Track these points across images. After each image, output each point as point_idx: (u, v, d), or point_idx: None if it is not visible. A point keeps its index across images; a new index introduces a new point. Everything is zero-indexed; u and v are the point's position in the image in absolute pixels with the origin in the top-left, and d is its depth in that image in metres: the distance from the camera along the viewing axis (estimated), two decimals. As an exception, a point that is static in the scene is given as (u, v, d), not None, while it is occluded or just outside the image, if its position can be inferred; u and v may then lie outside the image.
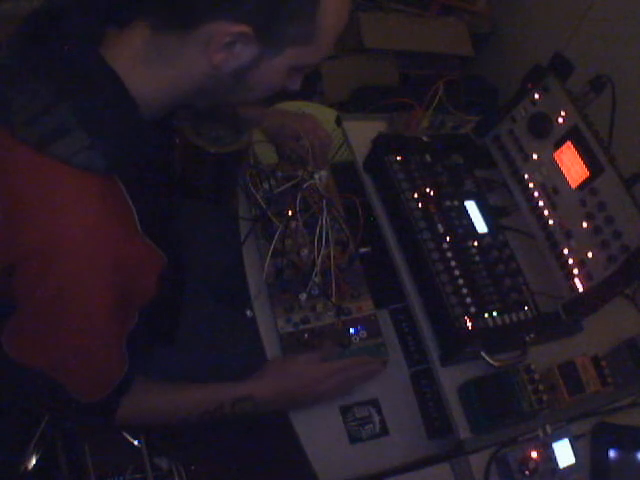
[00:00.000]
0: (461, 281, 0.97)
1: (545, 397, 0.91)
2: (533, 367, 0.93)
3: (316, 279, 1.00)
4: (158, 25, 0.67)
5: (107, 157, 0.64)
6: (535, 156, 1.05)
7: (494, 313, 0.96)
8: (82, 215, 0.64)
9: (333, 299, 1.01)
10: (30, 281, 0.67)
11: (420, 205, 1.05)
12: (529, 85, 1.06)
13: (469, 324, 0.93)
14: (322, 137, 1.21)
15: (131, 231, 0.71)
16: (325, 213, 1.02)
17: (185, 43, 0.67)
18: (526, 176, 1.06)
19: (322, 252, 1.00)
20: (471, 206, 1.08)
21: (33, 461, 1.23)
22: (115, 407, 0.83)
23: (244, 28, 0.64)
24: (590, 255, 0.94)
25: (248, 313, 1.07)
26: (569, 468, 0.90)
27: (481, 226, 1.06)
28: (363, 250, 1.12)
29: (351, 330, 1.02)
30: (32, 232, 0.64)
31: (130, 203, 0.70)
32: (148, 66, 0.68)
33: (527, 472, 0.87)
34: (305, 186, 1.06)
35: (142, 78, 0.69)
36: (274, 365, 0.97)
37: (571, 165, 0.98)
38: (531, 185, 1.05)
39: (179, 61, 0.68)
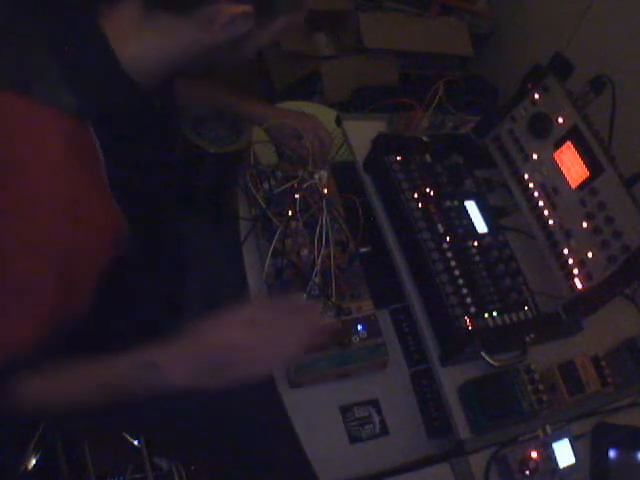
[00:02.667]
0: (461, 281, 0.97)
1: (545, 397, 0.91)
2: (533, 367, 0.93)
3: (316, 279, 1.00)
4: (150, 4, 0.67)
5: (80, 98, 0.64)
6: (535, 156, 1.05)
7: (494, 313, 0.96)
8: (45, 146, 0.63)
9: (333, 299, 1.01)
10: None
11: (420, 205, 1.05)
12: (529, 85, 1.06)
13: (469, 324, 0.93)
14: (323, 137, 1.20)
15: (95, 180, 0.69)
16: (325, 213, 1.02)
17: (180, 21, 0.67)
18: (526, 176, 1.06)
19: (322, 252, 1.00)
20: (471, 206, 1.08)
21: (33, 461, 1.23)
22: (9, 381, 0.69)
23: (246, 8, 0.65)
24: (590, 255, 0.94)
25: (248, 313, 1.06)
26: (569, 468, 0.90)
27: (481, 226, 1.06)
28: (363, 250, 1.12)
29: (359, 327, 1.02)
30: None
31: (101, 155, 0.69)
32: (139, 37, 0.69)
33: (527, 472, 0.87)
34: (305, 186, 1.06)
35: (132, 46, 0.69)
36: (191, 329, 0.73)
37: (571, 165, 0.98)
38: (531, 185, 1.05)
39: (172, 35, 0.69)
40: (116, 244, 0.73)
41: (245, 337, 0.72)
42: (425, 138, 1.14)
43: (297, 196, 1.05)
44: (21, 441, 1.23)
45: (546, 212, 1.02)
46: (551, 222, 1.01)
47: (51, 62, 0.64)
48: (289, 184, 1.09)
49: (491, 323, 0.95)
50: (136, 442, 1.26)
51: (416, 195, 1.06)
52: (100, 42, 0.67)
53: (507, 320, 0.96)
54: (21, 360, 0.67)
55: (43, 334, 0.67)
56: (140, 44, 0.69)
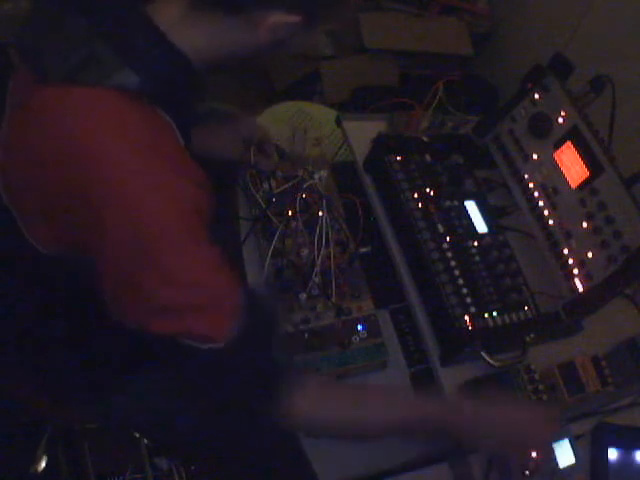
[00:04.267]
0: (461, 281, 0.97)
1: (545, 397, 0.91)
2: (533, 367, 0.93)
3: (316, 279, 1.00)
4: (197, 4, 0.68)
5: (140, 75, 0.64)
6: (535, 156, 1.05)
7: (494, 313, 0.96)
8: (126, 129, 0.63)
9: (333, 299, 1.01)
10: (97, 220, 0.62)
11: (420, 205, 1.05)
12: (529, 85, 1.06)
13: (469, 324, 0.93)
14: (262, 138, 1.13)
15: (175, 143, 0.71)
16: (325, 213, 1.02)
17: (226, 22, 0.69)
18: (526, 176, 1.06)
19: (322, 252, 1.00)
20: (471, 206, 1.08)
21: (43, 464, 1.24)
22: (280, 391, 0.70)
23: (296, 18, 0.67)
24: (590, 255, 0.94)
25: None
26: (569, 468, 0.90)
27: (481, 226, 1.06)
28: (363, 250, 1.12)
29: (359, 327, 1.02)
30: (77, 167, 0.62)
31: (168, 118, 0.70)
32: (182, 32, 0.69)
33: (527, 472, 0.87)
34: (305, 186, 1.06)
35: (177, 37, 0.69)
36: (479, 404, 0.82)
37: (571, 165, 0.98)
38: (531, 185, 1.05)
39: (215, 34, 0.71)
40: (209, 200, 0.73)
41: (543, 437, 0.85)
42: (425, 138, 1.14)
43: (297, 196, 1.05)
44: (28, 443, 1.24)
45: (546, 212, 1.02)
46: (551, 222, 1.01)
47: (103, 50, 0.64)
48: (289, 184, 1.09)
49: (491, 323, 0.95)
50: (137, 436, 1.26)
51: (416, 195, 1.06)
52: (149, 27, 0.67)
53: (507, 320, 0.96)
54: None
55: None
56: (183, 38, 0.70)
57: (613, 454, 0.95)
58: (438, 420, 0.79)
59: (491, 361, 0.92)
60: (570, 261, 0.97)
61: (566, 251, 0.98)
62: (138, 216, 0.63)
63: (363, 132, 1.18)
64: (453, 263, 0.99)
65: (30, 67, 0.66)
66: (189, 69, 0.71)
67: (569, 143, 0.99)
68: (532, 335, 0.95)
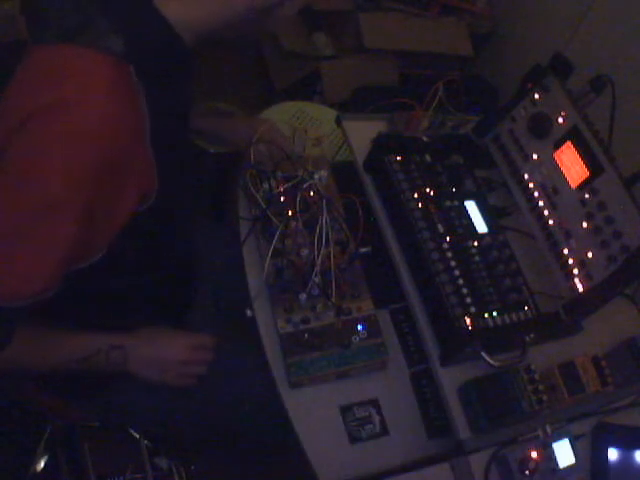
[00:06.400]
0: (461, 281, 0.97)
1: (545, 397, 0.91)
2: (533, 367, 0.93)
3: (316, 279, 1.00)
4: None
5: (126, 44, 0.66)
6: (535, 156, 1.05)
7: (494, 313, 0.96)
8: (89, 86, 0.65)
9: (333, 299, 1.01)
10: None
11: (420, 205, 1.05)
12: (529, 85, 1.06)
13: (469, 324, 0.93)
14: (279, 142, 1.17)
15: (135, 126, 0.70)
16: (325, 213, 1.02)
17: None
18: (526, 176, 1.06)
19: (322, 252, 1.00)
20: (471, 206, 1.08)
21: (42, 464, 1.24)
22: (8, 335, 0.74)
23: None
24: (590, 255, 0.94)
25: (248, 313, 1.07)
26: (569, 468, 0.90)
27: (481, 226, 1.06)
28: (363, 250, 1.12)
29: (359, 327, 1.02)
30: (41, 93, 0.65)
31: (144, 105, 0.70)
32: (181, 3, 0.71)
33: (527, 472, 0.87)
34: (305, 186, 1.06)
35: (172, 11, 0.71)
36: (155, 329, 0.99)
37: (571, 165, 0.98)
38: (531, 185, 1.05)
39: (212, 2, 0.72)
40: (141, 200, 0.74)
41: (193, 358, 1.01)
42: (425, 138, 1.14)
43: (297, 196, 1.05)
44: (28, 443, 1.24)
45: (546, 212, 1.02)
46: (551, 222, 1.01)
47: (98, 16, 0.66)
48: (289, 184, 1.09)
49: (491, 323, 0.95)
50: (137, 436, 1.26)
51: (416, 195, 1.06)
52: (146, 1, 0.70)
53: (507, 320, 0.96)
54: (35, 303, 0.70)
55: (57, 277, 0.70)
56: (179, 10, 0.71)
57: (613, 454, 0.95)
58: (119, 346, 0.91)
59: (491, 361, 0.92)
60: (570, 261, 0.97)
61: (566, 251, 0.98)
62: None
63: (363, 132, 1.18)
64: (453, 263, 0.99)
65: (30, 30, 0.68)
66: (173, 36, 0.72)
67: (569, 143, 0.99)
68: (532, 335, 0.95)
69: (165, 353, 0.99)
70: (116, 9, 0.68)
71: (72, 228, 0.67)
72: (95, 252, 0.73)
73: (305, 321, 1.01)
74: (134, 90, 0.69)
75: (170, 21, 0.71)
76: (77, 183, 0.66)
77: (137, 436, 1.27)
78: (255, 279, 1.07)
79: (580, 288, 0.95)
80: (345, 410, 0.99)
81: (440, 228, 1.03)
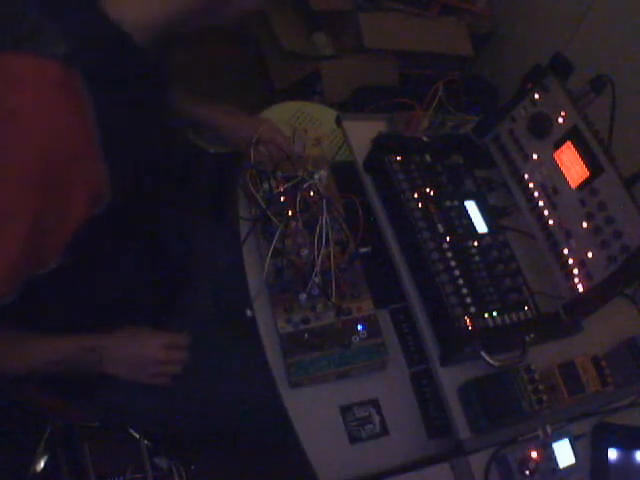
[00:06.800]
0: (461, 281, 0.97)
1: (545, 397, 0.91)
2: (533, 367, 0.93)
3: (316, 279, 1.00)
4: None
5: (72, 49, 0.65)
6: (535, 156, 1.05)
7: (494, 313, 0.96)
8: (34, 91, 0.64)
9: (333, 299, 1.01)
10: None
11: (420, 205, 1.05)
12: (529, 85, 1.06)
13: (469, 324, 0.93)
14: (279, 143, 1.16)
15: (83, 131, 0.69)
16: (325, 213, 1.02)
17: None
18: (526, 176, 1.06)
19: (322, 252, 1.00)
20: (471, 206, 1.08)
21: (42, 464, 1.24)
22: None
23: None
24: (590, 255, 0.94)
25: (248, 313, 1.07)
26: (569, 468, 0.90)
27: (481, 226, 1.06)
28: (363, 250, 1.12)
29: (359, 327, 1.02)
30: None
31: (92, 108, 0.69)
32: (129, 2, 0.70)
33: (527, 472, 0.87)
34: (305, 186, 1.06)
35: (120, 10, 0.70)
36: (130, 329, 0.99)
37: (571, 165, 0.98)
38: (531, 185, 1.05)
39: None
40: (94, 203, 0.73)
41: (168, 358, 1.01)
42: (425, 138, 1.14)
43: (297, 196, 1.05)
44: (28, 443, 1.24)
45: (546, 212, 1.02)
46: (551, 222, 1.01)
47: (44, 21, 0.65)
48: (289, 184, 1.09)
49: (491, 323, 0.95)
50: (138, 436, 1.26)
51: (416, 195, 1.06)
52: (91, 2, 0.69)
53: (507, 320, 0.96)
54: None
55: (12, 281, 0.70)
56: (127, 6, 0.70)
57: (613, 454, 0.95)
58: (93, 348, 0.92)
59: (491, 361, 0.92)
60: (570, 261, 0.97)
61: (566, 251, 0.98)
62: None
63: (363, 132, 1.18)
64: (453, 263, 0.99)
65: None
66: (122, 37, 0.70)
67: (569, 143, 0.99)
68: (532, 335, 0.95)
69: (140, 353, 0.99)
70: (63, 13, 0.67)
71: (22, 233, 0.67)
72: (52, 256, 0.73)
73: (305, 321, 1.01)
74: (80, 94, 0.68)
75: (117, 21, 0.70)
76: (24, 190, 0.66)
77: (137, 436, 1.28)
78: (255, 279, 1.07)
79: (580, 288, 0.95)
80: (345, 410, 0.99)
81: (440, 228, 1.03)
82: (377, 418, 1.00)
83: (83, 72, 0.67)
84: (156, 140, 0.87)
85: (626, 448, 0.96)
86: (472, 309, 0.95)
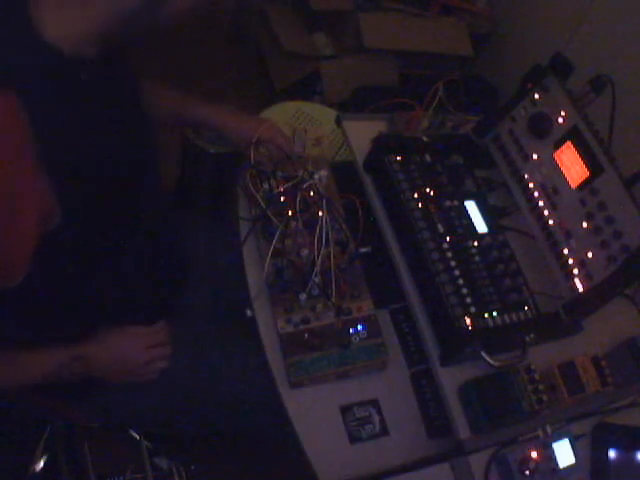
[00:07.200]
0: (461, 281, 0.97)
1: (545, 397, 0.91)
2: (533, 367, 0.93)
3: (316, 279, 1.00)
4: None
5: (3, 66, 0.64)
6: (535, 156, 1.05)
7: (494, 313, 0.96)
8: None
9: (333, 299, 1.01)
10: None
11: (420, 205, 1.05)
12: (529, 85, 1.05)
13: (469, 324, 0.93)
14: (279, 143, 1.16)
15: (17, 152, 0.65)
16: (325, 213, 1.02)
17: None
18: (526, 176, 1.06)
19: (322, 252, 1.00)
20: (471, 206, 1.08)
21: (41, 464, 1.23)
22: None
23: None
24: (590, 255, 0.94)
25: (248, 313, 1.07)
26: (569, 468, 0.90)
27: (481, 226, 1.06)
28: (363, 250, 1.12)
29: (359, 327, 1.02)
30: None
31: (27, 127, 0.65)
32: (58, 6, 0.69)
33: (527, 472, 0.87)
34: (305, 186, 1.06)
35: (52, 15, 0.68)
36: (110, 331, 0.98)
37: (571, 165, 0.98)
38: (531, 185, 1.05)
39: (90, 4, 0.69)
40: (43, 221, 0.69)
41: (153, 356, 1.01)
42: (425, 138, 1.14)
43: (297, 196, 1.05)
44: (27, 443, 1.24)
45: (546, 212, 1.02)
46: (551, 222, 1.01)
47: None
48: (289, 184, 1.09)
49: (491, 323, 0.95)
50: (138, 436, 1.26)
51: (416, 195, 1.06)
52: (20, 18, 0.67)
53: (507, 320, 0.96)
54: None
55: None
56: (60, 17, 0.69)
57: (613, 454, 0.95)
58: (80, 357, 0.92)
59: (491, 361, 0.92)
60: (570, 261, 0.97)
61: (566, 251, 0.98)
62: None
63: (363, 132, 1.18)
64: (453, 263, 0.99)
65: None
66: (51, 51, 0.69)
67: (569, 143, 0.99)
68: (532, 335, 0.95)
69: (123, 358, 1.00)
70: None
71: None
72: (16, 272, 0.70)
73: (305, 321, 1.01)
74: (13, 111, 0.64)
75: (50, 39, 0.68)
76: None
77: (137, 437, 1.27)
78: (255, 279, 1.07)
79: (580, 288, 0.95)
80: (345, 410, 0.99)
81: (440, 228, 1.03)
82: (377, 418, 1.00)
83: (20, 90, 0.63)
84: (118, 145, 0.85)
85: (626, 448, 0.96)
86: (472, 309, 0.95)
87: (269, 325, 1.02)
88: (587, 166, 0.95)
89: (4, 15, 0.67)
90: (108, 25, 0.72)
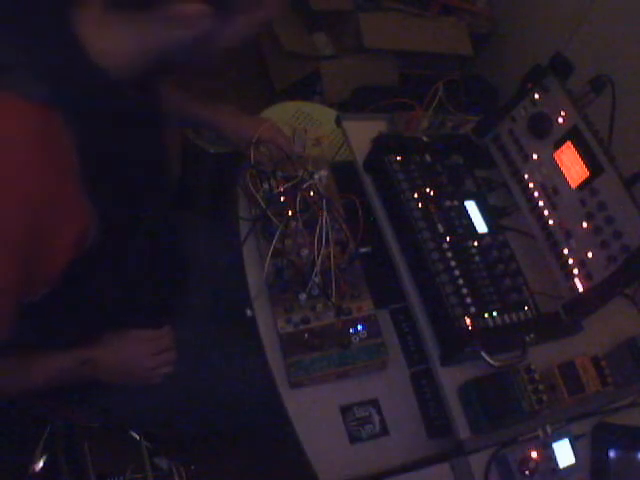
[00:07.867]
0: (461, 281, 0.97)
1: (545, 397, 0.91)
2: (533, 367, 0.93)
3: (316, 279, 1.00)
4: (107, 5, 0.66)
5: (50, 88, 0.63)
6: (535, 156, 1.05)
7: (494, 313, 0.96)
8: (11, 136, 0.61)
9: (333, 299, 1.01)
10: None
11: (420, 205, 1.05)
12: (529, 85, 1.05)
13: (469, 324, 0.93)
14: (279, 143, 1.16)
15: (63, 173, 0.67)
16: (325, 213, 1.02)
17: (139, 20, 0.67)
18: (526, 176, 1.06)
19: (322, 252, 1.00)
20: (471, 206, 1.08)
21: (41, 463, 1.24)
22: None
23: (202, 7, 0.65)
24: (590, 255, 0.94)
25: (248, 313, 1.07)
26: (569, 468, 0.90)
27: (481, 226, 1.06)
28: (363, 250, 1.12)
29: (359, 327, 1.02)
30: None
31: (73, 149, 0.67)
32: (104, 34, 0.68)
33: (527, 472, 0.87)
34: (305, 186, 1.06)
35: (99, 41, 0.68)
36: (117, 335, 0.99)
37: (571, 165, 0.98)
38: (531, 185, 1.05)
39: (134, 33, 0.69)
40: (80, 240, 0.73)
41: (157, 362, 1.02)
42: (425, 138, 1.14)
43: (297, 196, 1.05)
44: (27, 443, 1.24)
45: (546, 212, 1.02)
46: (551, 222, 1.01)
47: (20, 58, 0.62)
48: (289, 184, 1.09)
49: (491, 323, 0.95)
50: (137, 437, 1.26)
51: (416, 195, 1.06)
52: (68, 37, 0.66)
53: (507, 320, 0.96)
54: None
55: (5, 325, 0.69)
56: (106, 40, 0.68)
57: (613, 454, 0.95)
58: (88, 360, 0.92)
59: (491, 361, 0.92)
60: (570, 261, 0.97)
61: (566, 251, 0.98)
62: None
63: (363, 132, 1.18)
64: (453, 263, 0.99)
65: None
66: (100, 75, 0.68)
67: (569, 143, 0.99)
68: (532, 335, 0.95)
69: (129, 363, 1.00)
70: (39, 47, 0.64)
71: (10, 276, 0.66)
72: (40, 289, 0.73)
73: (305, 321, 1.01)
74: (60, 133, 0.66)
75: (96, 60, 0.67)
76: (3, 234, 0.63)
77: (137, 437, 1.28)
78: (255, 279, 1.07)
79: (580, 288, 0.95)
80: (345, 410, 0.99)
81: (440, 228, 1.03)
82: (377, 418, 1.00)
83: (65, 112, 0.65)
84: (148, 161, 0.86)
85: (626, 448, 0.96)
86: (472, 309, 0.95)
87: (269, 325, 1.02)
88: (587, 166, 0.95)
89: (49, 32, 0.65)
90: (156, 55, 0.72)
